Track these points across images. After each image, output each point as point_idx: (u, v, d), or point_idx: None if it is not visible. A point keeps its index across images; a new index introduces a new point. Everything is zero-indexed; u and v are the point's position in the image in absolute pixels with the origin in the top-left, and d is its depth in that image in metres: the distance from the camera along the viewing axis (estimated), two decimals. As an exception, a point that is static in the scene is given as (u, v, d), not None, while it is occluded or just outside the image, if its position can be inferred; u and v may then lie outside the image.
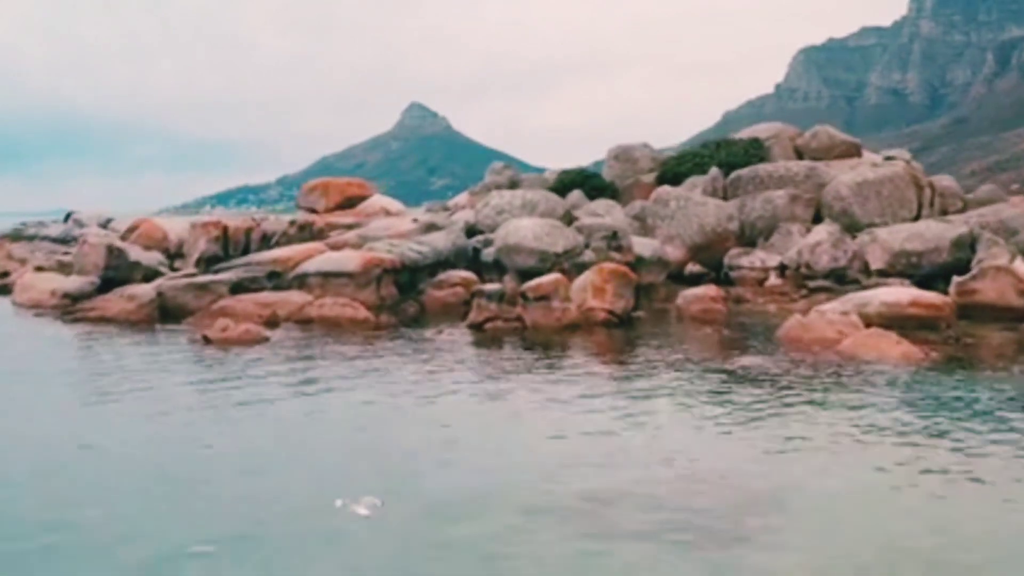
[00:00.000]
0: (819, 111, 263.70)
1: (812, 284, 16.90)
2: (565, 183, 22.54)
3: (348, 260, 14.67)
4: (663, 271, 17.81)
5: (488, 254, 16.70)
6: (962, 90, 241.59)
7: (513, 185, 23.28)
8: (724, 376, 9.83)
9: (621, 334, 12.78)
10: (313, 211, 27.63)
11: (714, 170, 21.76)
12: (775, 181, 22.16)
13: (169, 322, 13.91)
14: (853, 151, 24.74)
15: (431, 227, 17.69)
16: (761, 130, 25.50)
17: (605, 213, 20.54)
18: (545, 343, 12.01)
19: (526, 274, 16.18)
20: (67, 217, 37.86)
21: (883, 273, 16.92)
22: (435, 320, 14.34)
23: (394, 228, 17.50)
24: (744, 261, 19.31)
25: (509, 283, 16.35)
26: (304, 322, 13.46)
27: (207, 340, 11.58)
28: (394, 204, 29.99)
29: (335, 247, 16.34)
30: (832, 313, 11.65)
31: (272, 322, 13.31)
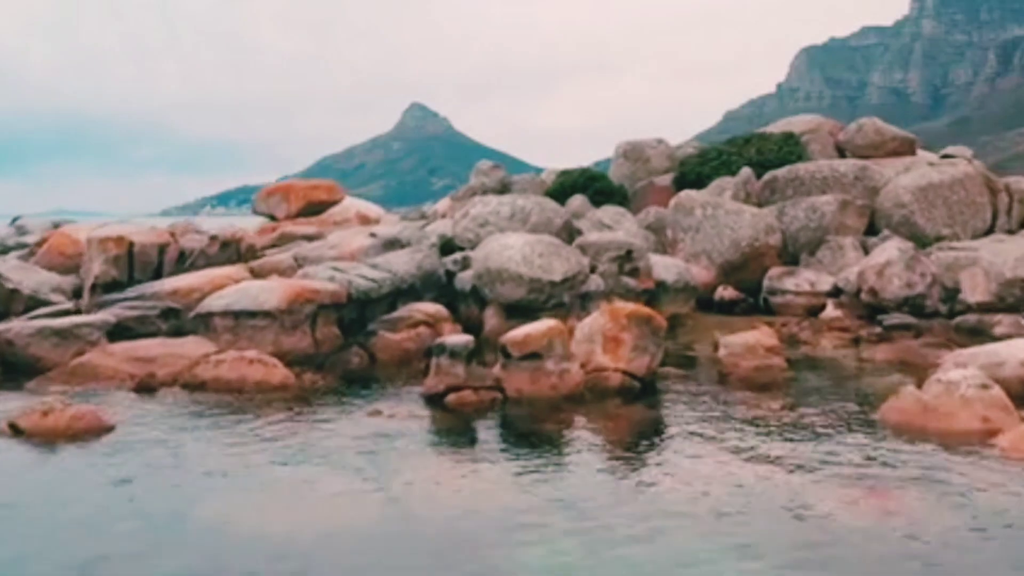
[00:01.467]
0: (820, 111, 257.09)
1: (886, 321, 12.84)
2: (565, 186, 18.46)
3: (268, 294, 10.56)
4: (690, 299, 13.77)
5: (464, 280, 12.66)
6: (964, 90, 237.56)
7: (503, 189, 19.17)
8: (839, 526, 5.79)
9: (644, 412, 8.65)
10: (272, 218, 23.54)
11: (746, 170, 17.63)
12: (818, 184, 18.04)
13: (16, 380, 9.85)
14: (906, 148, 20.58)
15: (392, 244, 13.57)
16: (796, 123, 21.36)
17: (614, 223, 16.46)
18: (534, 430, 7.93)
19: (514, 309, 12.09)
20: (13, 221, 33.89)
21: (986, 308, 12.85)
22: (385, 378, 10.26)
23: (344, 246, 13.40)
24: (789, 284, 15.23)
25: (491, 319, 12.23)
26: (193, 387, 9.34)
27: (15, 430, 7.48)
28: (372, 209, 25.86)
29: (262, 273, 12.26)
30: (968, 385, 7.54)
31: (147, 386, 9.23)
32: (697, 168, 18.68)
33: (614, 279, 12.32)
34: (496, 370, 8.67)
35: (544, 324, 8.73)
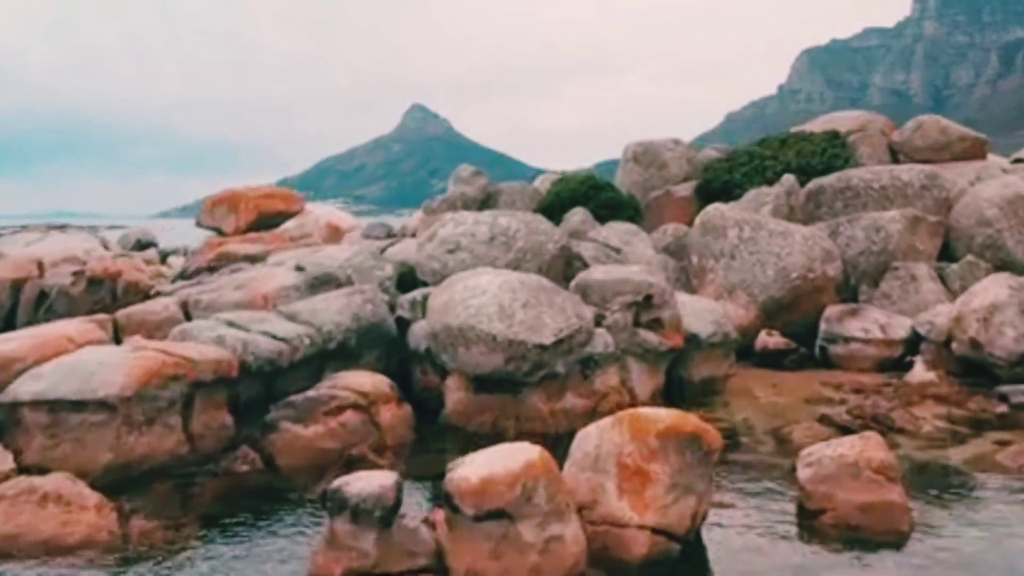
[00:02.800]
0: (822, 112, 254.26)
1: (1013, 396, 9.14)
2: (563, 197, 14.72)
3: (108, 371, 6.88)
4: (729, 356, 10.07)
5: (419, 336, 8.97)
6: (966, 91, 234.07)
7: (488, 200, 15.44)
8: None
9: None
10: (220, 233, 19.81)
11: (789, 178, 13.89)
12: (876, 195, 14.29)
13: None
14: (976, 150, 16.83)
15: (323, 283, 9.83)
16: (839, 121, 17.60)
17: (624, 244, 12.76)
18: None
19: (484, 382, 8.38)
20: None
21: None
22: (282, 505, 6.62)
23: (255, 285, 9.64)
24: (854, 328, 11.51)
25: (453, 394, 8.49)
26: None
27: None
28: (343, 219, 22.11)
29: (128, 327, 8.49)
30: None
31: None
32: (724, 175, 14.93)
33: (628, 334, 8.65)
34: (438, 533, 4.99)
35: (518, 455, 5.01)
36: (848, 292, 12.58)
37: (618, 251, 12.41)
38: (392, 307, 9.78)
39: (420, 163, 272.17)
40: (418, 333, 8.97)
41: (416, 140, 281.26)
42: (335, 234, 20.53)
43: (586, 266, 10.89)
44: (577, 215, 13.77)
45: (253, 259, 15.34)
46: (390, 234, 15.76)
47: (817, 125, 17.34)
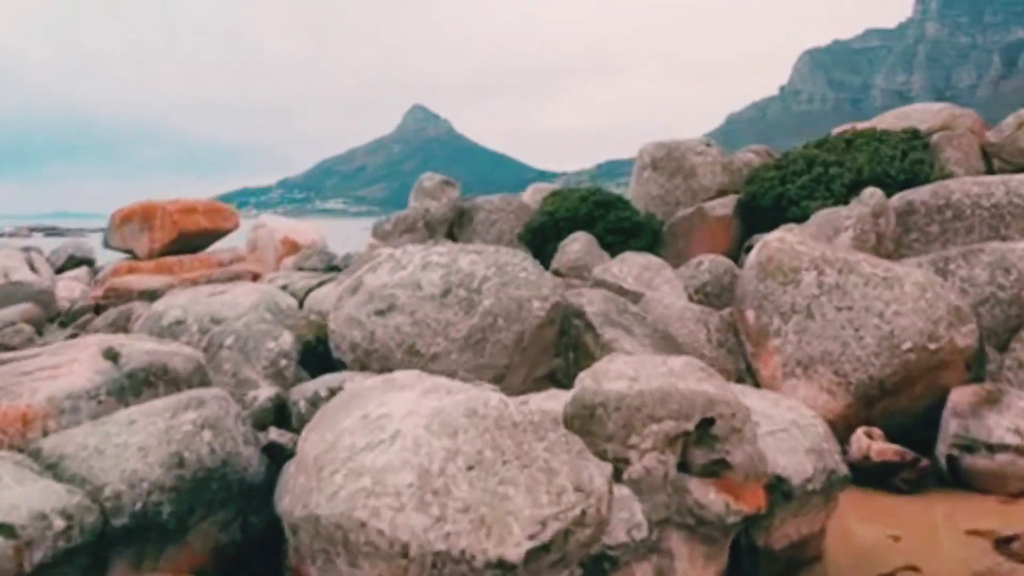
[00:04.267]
0: (824, 113, 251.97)
1: None
2: (557, 217, 10.64)
3: None
4: (831, 500, 6.05)
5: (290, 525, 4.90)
6: (968, 92, 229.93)
7: (459, 220, 11.43)
8: None
9: None
10: (133, 256, 15.77)
11: (875, 193, 9.79)
12: (987, 216, 10.30)
13: None
14: (1102, 154, 12.84)
15: (142, 382, 5.77)
16: (914, 115, 13.47)
17: (643, 286, 8.79)
18: None
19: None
20: None
21: None
22: None
23: (23, 388, 5.67)
24: (1001, 428, 7.44)
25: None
26: None
27: None
28: (302, 234, 18.08)
29: None
30: None
31: None
32: (776, 186, 10.87)
33: (670, 494, 4.66)
34: None
35: None
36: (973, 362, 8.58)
37: (636, 298, 8.36)
38: (266, 423, 5.75)
39: (421, 164, 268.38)
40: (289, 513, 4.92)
41: (417, 141, 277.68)
42: (292, 251, 16.52)
43: (589, 329, 6.84)
44: (577, 243, 9.72)
45: (152, 296, 11.41)
46: (330, 267, 11.66)
47: (887, 121, 13.23)
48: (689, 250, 10.73)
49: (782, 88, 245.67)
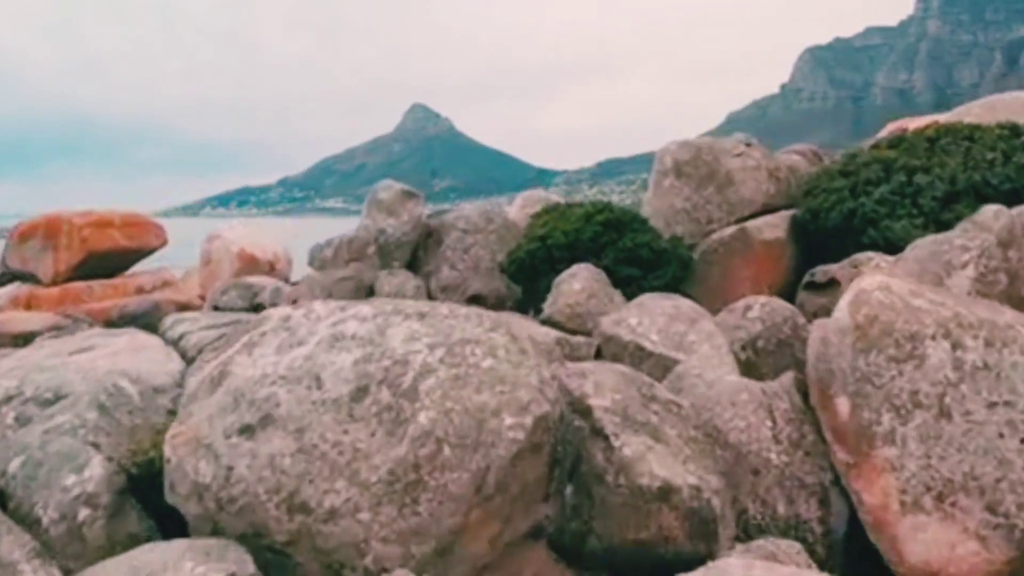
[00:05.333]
0: (825, 111, 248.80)
1: None
2: (551, 243, 7.88)
3: None
4: None
5: None
6: (969, 90, 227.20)
7: (425, 243, 8.67)
8: None
9: None
10: (36, 282, 12.99)
11: (999, 213, 7.10)
12: None
13: None
14: None
15: None
16: (1007, 106, 10.79)
17: (674, 348, 6.11)
18: None
19: None
20: None
21: None
22: None
23: None
24: None
25: None
26: None
27: None
28: (265, 247, 15.35)
29: None
30: None
31: None
32: (846, 199, 8.11)
33: None
34: None
35: None
36: None
37: (664, 367, 5.70)
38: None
39: (421, 163, 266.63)
40: None
41: (417, 139, 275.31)
42: (250, 267, 13.83)
43: (598, 437, 4.11)
44: (579, 280, 6.99)
45: (26, 340, 8.76)
46: (253, 306, 8.74)
47: (972, 114, 10.43)
48: (728, 286, 7.96)
49: (783, 86, 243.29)
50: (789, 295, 7.73)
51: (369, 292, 7.91)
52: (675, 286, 7.44)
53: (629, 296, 7.12)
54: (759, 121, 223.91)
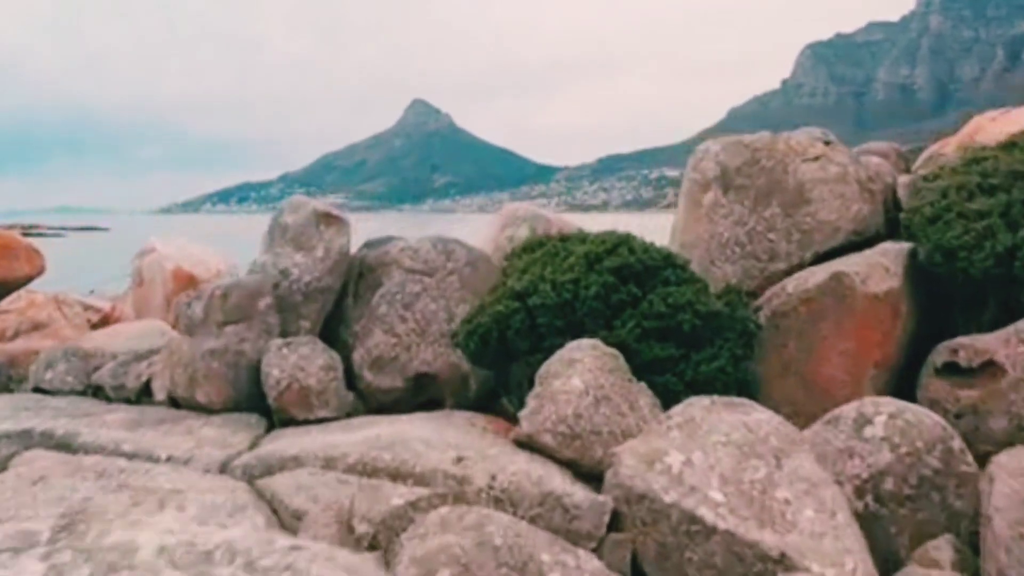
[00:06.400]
0: (826, 107, 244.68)
1: None
2: (533, 305, 5.02)
3: None
4: None
5: None
6: (971, 86, 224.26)
7: (355, 289, 5.80)
8: None
9: None
10: None
11: None
12: None
13: None
14: None
15: None
16: None
17: (757, 510, 3.29)
18: None
19: None
20: None
21: None
22: None
23: None
24: None
25: None
26: None
27: None
28: (205, 262, 12.28)
29: None
30: None
31: None
32: (999, 232, 5.20)
33: None
34: None
35: None
36: None
37: (750, 555, 2.73)
38: None
39: (421, 158, 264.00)
40: None
41: (418, 135, 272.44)
42: (187, 286, 10.90)
43: None
44: (581, 371, 4.10)
45: None
46: (89, 387, 5.77)
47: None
48: (815, 371, 5.09)
49: (784, 82, 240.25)
50: (906, 382, 4.89)
51: (252, 375, 5.10)
52: (733, 368, 4.53)
53: (664, 395, 4.28)
54: (760, 116, 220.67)
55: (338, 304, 5.92)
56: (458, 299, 5.71)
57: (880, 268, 5.19)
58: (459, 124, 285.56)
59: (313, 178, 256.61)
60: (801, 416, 5.05)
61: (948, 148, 9.33)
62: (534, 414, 4.09)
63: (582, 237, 5.13)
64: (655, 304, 4.55)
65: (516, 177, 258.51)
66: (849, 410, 4.20)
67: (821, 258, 5.83)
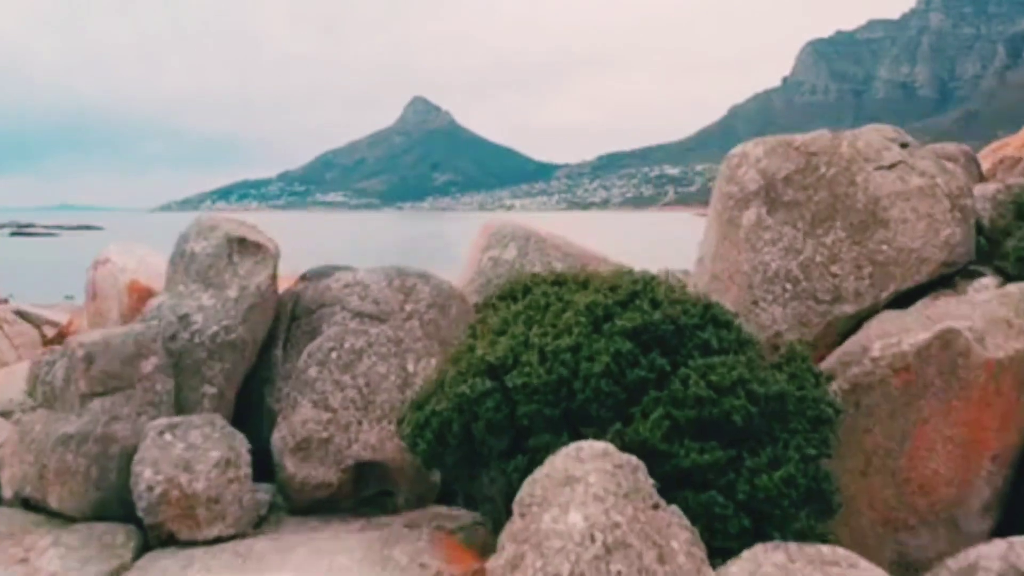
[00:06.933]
0: (827, 105, 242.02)
1: None
2: (514, 386, 3.61)
3: None
4: None
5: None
6: (972, 83, 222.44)
7: (289, 336, 4.36)
8: None
9: None
10: None
11: None
12: None
13: None
14: None
15: None
16: None
17: None
18: None
19: None
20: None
21: None
22: None
23: None
24: None
25: None
26: None
27: None
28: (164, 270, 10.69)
29: None
30: None
31: None
32: None
33: None
34: None
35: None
36: None
37: None
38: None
39: (422, 156, 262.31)
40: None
41: (418, 133, 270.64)
42: (145, 299, 9.40)
43: None
44: (582, 503, 2.98)
45: None
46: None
47: None
48: (909, 461, 3.67)
49: (785, 79, 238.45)
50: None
51: (126, 467, 3.73)
52: (806, 483, 3.07)
53: (705, 520, 2.76)
54: (761, 114, 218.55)
55: (264, 356, 4.48)
56: (419, 354, 4.28)
57: (1002, 323, 3.71)
58: (459, 121, 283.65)
59: (313, 176, 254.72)
60: (890, 525, 3.65)
61: (1009, 150, 7.98)
62: (511, 570, 2.64)
63: (584, 278, 3.65)
64: (692, 384, 3.11)
65: (516, 175, 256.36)
66: (976, 555, 2.80)
67: (901, 299, 4.39)
